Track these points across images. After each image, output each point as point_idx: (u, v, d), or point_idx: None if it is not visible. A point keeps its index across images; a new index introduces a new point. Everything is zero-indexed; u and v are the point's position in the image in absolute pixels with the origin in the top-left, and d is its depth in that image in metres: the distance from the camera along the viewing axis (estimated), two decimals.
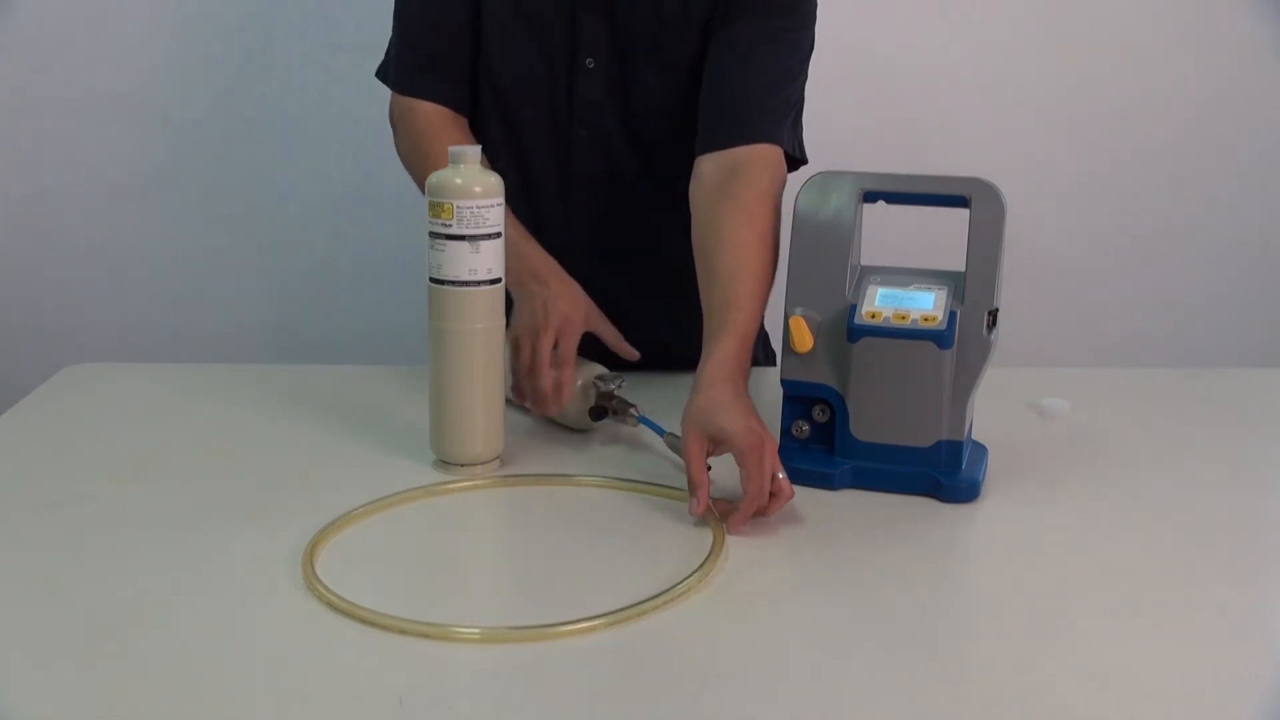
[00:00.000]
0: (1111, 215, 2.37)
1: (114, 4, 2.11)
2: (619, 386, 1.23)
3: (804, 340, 1.12)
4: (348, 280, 2.27)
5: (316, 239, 2.25)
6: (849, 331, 1.10)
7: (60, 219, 2.21)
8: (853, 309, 1.10)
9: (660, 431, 1.19)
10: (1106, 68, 2.30)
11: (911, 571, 0.98)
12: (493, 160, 1.32)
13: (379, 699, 0.77)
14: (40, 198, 2.20)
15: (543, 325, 1.18)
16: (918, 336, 1.08)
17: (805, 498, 1.12)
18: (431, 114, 1.39)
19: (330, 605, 0.88)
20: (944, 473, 1.11)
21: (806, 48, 1.36)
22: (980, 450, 1.17)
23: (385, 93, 1.44)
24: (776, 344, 1.20)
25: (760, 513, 1.03)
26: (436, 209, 1.10)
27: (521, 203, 1.37)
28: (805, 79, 1.37)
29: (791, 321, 1.12)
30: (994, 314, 1.10)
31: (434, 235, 1.11)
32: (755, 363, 1.20)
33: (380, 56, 1.46)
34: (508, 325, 1.18)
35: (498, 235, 1.12)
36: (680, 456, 1.10)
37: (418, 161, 1.36)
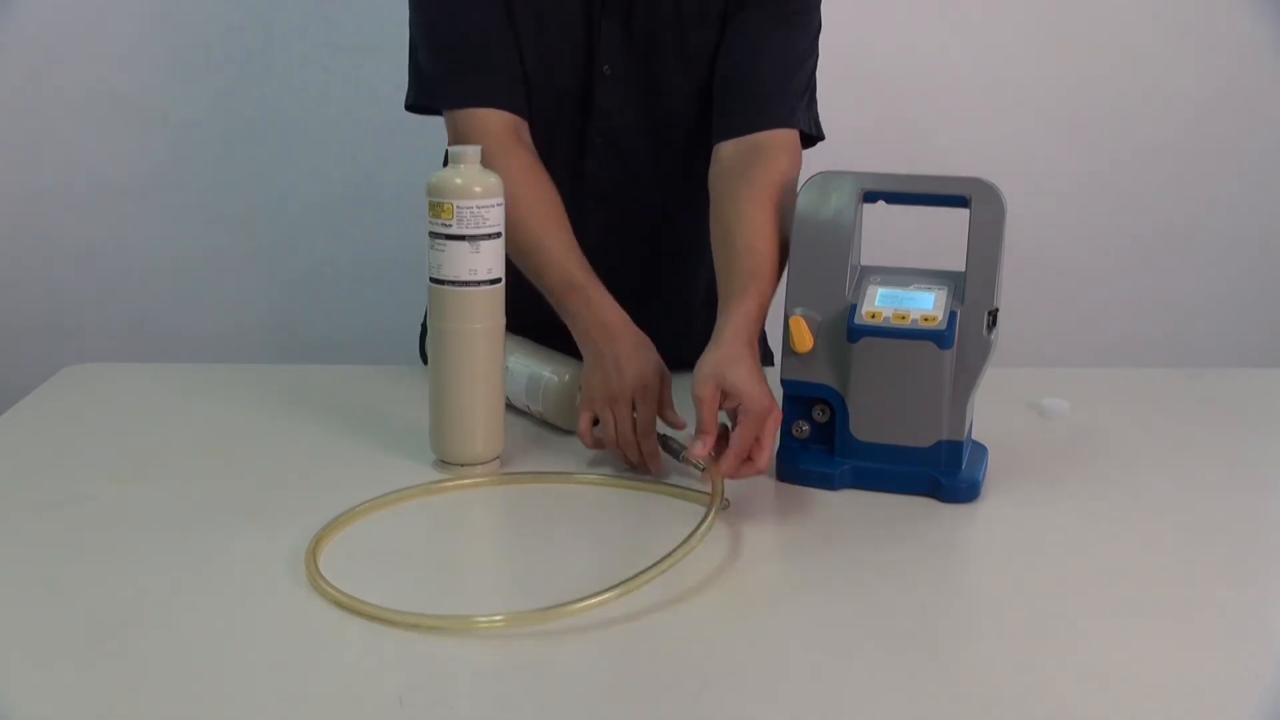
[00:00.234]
0: (1111, 215, 2.38)
1: (114, 4, 2.11)
2: None
3: (804, 340, 1.12)
4: (348, 280, 2.27)
5: (316, 239, 2.25)
6: (849, 331, 1.10)
7: (60, 219, 2.21)
8: (853, 309, 1.10)
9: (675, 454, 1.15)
10: (1106, 68, 2.30)
11: (911, 571, 0.98)
12: None
13: (379, 699, 0.77)
14: (40, 198, 2.20)
15: (618, 392, 1.13)
16: (918, 336, 1.08)
17: (805, 498, 1.12)
18: (500, 128, 1.28)
19: (336, 603, 0.88)
20: (944, 473, 1.11)
21: (816, 28, 1.37)
22: (980, 450, 1.17)
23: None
24: (776, 344, 1.20)
25: (729, 471, 1.05)
26: (436, 209, 1.10)
27: None
28: (817, 57, 1.38)
29: (791, 321, 1.12)
30: (994, 314, 1.10)
31: (434, 235, 1.11)
32: (756, 341, 1.20)
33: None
34: (507, 324, 1.18)
35: (498, 235, 1.12)
36: (677, 459, 1.12)
37: (511, 213, 1.17)
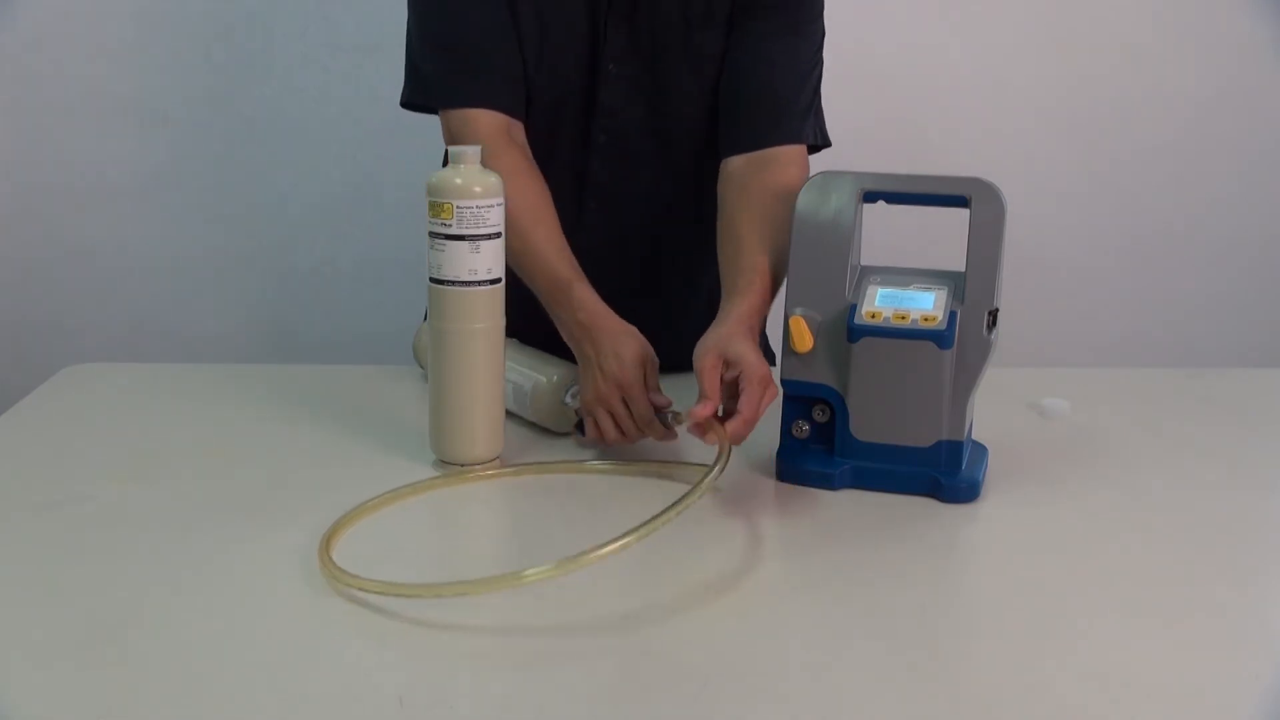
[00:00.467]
0: (1111, 215, 2.38)
1: (114, 4, 2.11)
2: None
3: (804, 340, 1.12)
4: (348, 280, 2.27)
5: (316, 239, 2.25)
6: (849, 331, 1.10)
7: (60, 219, 2.21)
8: (853, 309, 1.10)
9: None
10: (1106, 68, 2.30)
11: (911, 571, 0.98)
12: None
13: (379, 699, 0.77)
14: (40, 197, 2.20)
15: (607, 393, 1.15)
16: (918, 336, 1.08)
17: (805, 498, 1.12)
18: (492, 129, 1.29)
19: (359, 591, 0.89)
20: (944, 473, 1.11)
21: (820, 37, 1.38)
22: (980, 450, 1.17)
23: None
24: (776, 344, 1.20)
25: (738, 432, 1.08)
26: (436, 209, 1.10)
27: None
28: (822, 65, 1.39)
29: (791, 321, 1.12)
30: (994, 314, 1.10)
31: (434, 235, 1.11)
32: (758, 331, 1.21)
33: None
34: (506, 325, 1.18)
35: (498, 235, 1.12)
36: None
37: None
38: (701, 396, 1.10)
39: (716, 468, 1.00)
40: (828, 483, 1.13)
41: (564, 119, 1.37)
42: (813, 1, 1.36)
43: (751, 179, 1.31)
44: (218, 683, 0.79)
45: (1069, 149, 2.33)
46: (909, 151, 2.07)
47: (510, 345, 1.29)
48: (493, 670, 0.82)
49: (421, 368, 1.42)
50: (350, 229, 2.24)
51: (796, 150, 1.34)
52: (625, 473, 1.17)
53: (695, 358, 1.13)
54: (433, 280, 1.12)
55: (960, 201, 1.11)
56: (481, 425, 1.15)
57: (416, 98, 1.37)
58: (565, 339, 1.23)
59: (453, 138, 1.31)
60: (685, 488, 1.11)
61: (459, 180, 1.10)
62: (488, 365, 1.15)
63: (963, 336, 1.08)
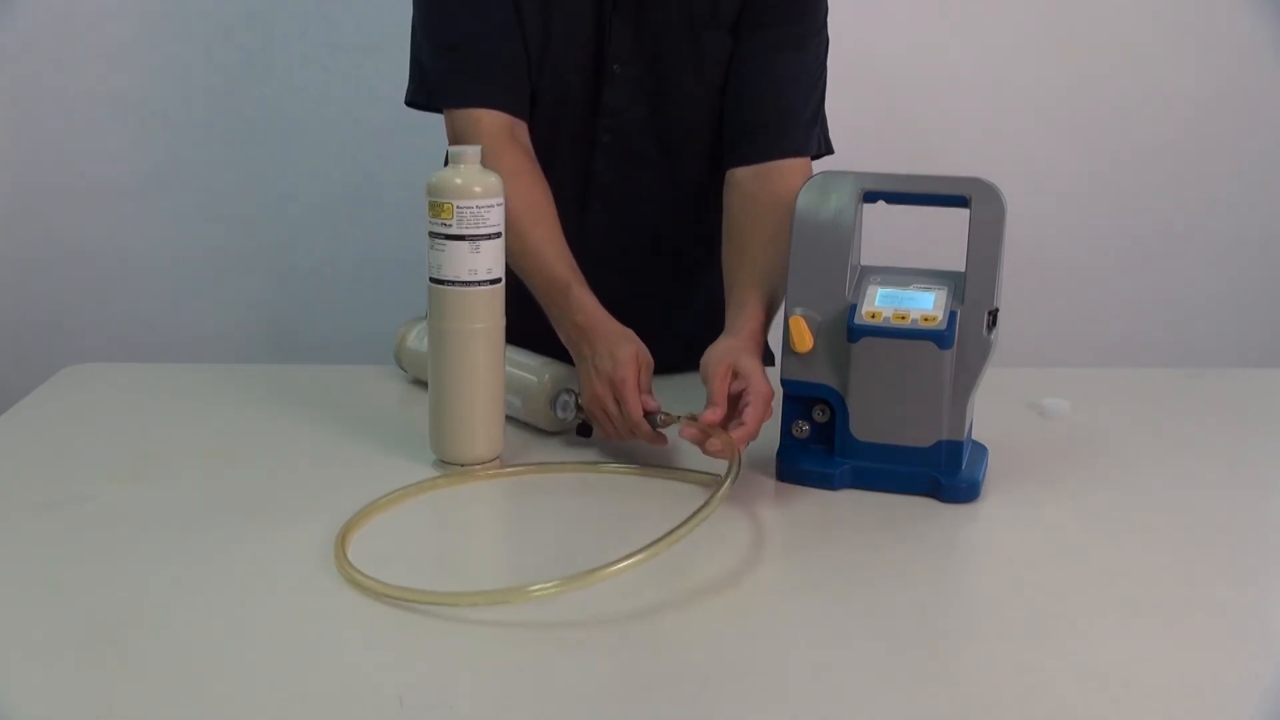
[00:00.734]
0: (1111, 215, 2.38)
1: (114, 4, 2.11)
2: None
3: (804, 340, 1.12)
4: (348, 280, 2.27)
5: (316, 239, 2.25)
6: (849, 331, 1.10)
7: (60, 219, 2.21)
8: (853, 309, 1.10)
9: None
10: (1106, 68, 2.30)
11: (911, 571, 0.98)
12: None
13: (379, 699, 0.77)
14: (40, 197, 2.20)
15: (602, 393, 1.15)
16: (918, 336, 1.08)
17: (805, 498, 1.12)
18: (495, 129, 1.29)
19: (373, 592, 0.89)
20: (944, 473, 1.11)
21: (825, 48, 1.39)
22: (980, 450, 1.17)
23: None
24: (776, 344, 1.20)
25: (714, 444, 1.09)
26: (436, 209, 1.10)
27: None
28: (826, 74, 1.40)
29: (791, 321, 1.12)
30: (994, 314, 1.10)
31: (434, 235, 1.11)
32: (762, 347, 1.21)
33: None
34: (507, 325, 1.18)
35: (498, 235, 1.12)
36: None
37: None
38: (710, 403, 1.11)
39: (729, 481, 0.99)
40: (828, 483, 1.13)
41: (568, 119, 1.37)
42: (817, 11, 1.37)
43: (757, 191, 1.33)
44: (217, 683, 0.79)
45: (1069, 149, 2.33)
46: (909, 151, 2.07)
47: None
48: (493, 670, 0.82)
49: (403, 370, 1.42)
50: (350, 229, 2.24)
51: (801, 162, 1.35)
52: (626, 473, 1.17)
53: (705, 365, 1.15)
54: (433, 280, 1.12)
55: (960, 201, 1.11)
56: (481, 425, 1.15)
57: (420, 97, 1.37)
58: (562, 340, 1.23)
59: (456, 137, 1.31)
60: (686, 487, 1.13)
61: (459, 180, 1.10)
62: (488, 365, 1.15)
63: (963, 336, 1.08)
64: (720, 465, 1.11)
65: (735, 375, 1.13)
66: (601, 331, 1.18)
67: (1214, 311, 2.43)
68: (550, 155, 1.34)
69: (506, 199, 1.14)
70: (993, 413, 1.21)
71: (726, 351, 1.15)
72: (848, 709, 0.78)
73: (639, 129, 1.38)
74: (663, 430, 1.15)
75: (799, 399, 1.15)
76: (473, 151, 1.11)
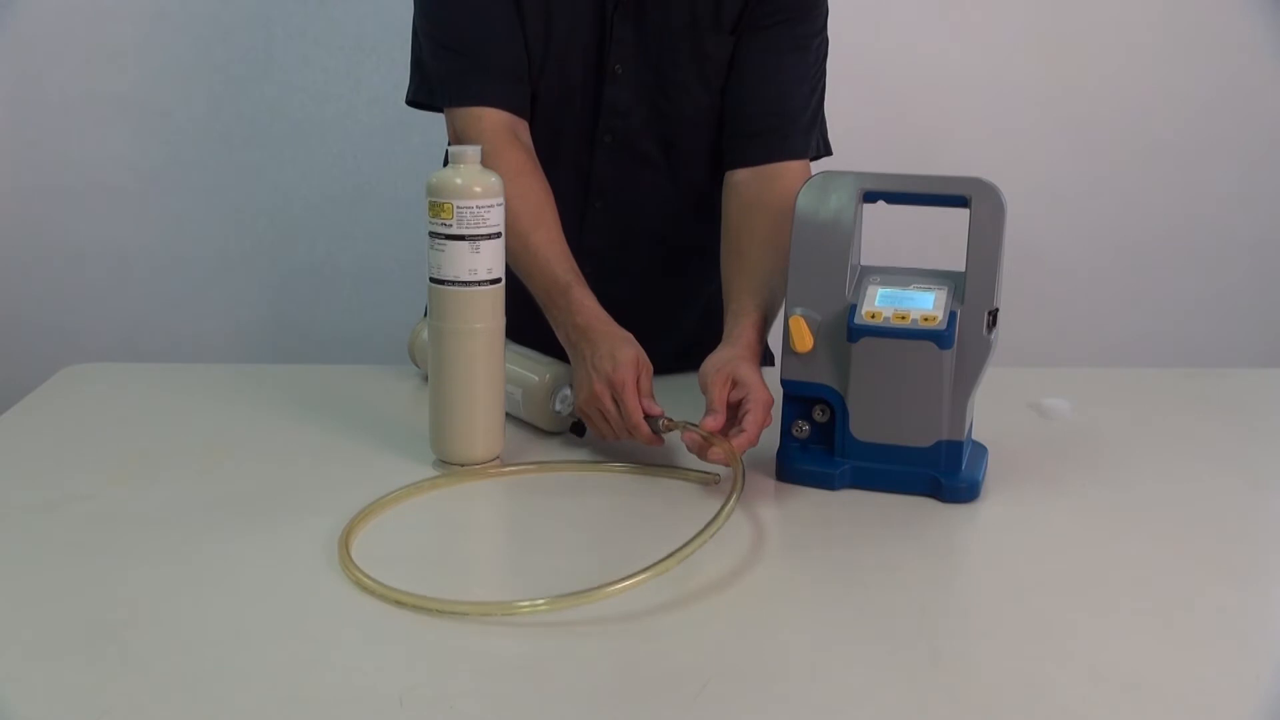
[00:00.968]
0: (1111, 215, 2.38)
1: (114, 4, 2.11)
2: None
3: (804, 340, 1.12)
4: (348, 280, 2.27)
5: (316, 239, 2.26)
6: (849, 331, 1.10)
7: (60, 219, 2.21)
8: (853, 309, 1.10)
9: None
10: (1106, 68, 2.30)
11: (911, 571, 0.98)
12: None
13: (379, 699, 0.77)
14: (41, 197, 2.20)
15: (600, 393, 1.15)
16: (918, 336, 1.08)
17: (805, 498, 1.12)
18: (497, 128, 1.29)
19: (370, 593, 0.90)
20: (944, 473, 1.11)
21: (825, 50, 1.39)
22: (980, 450, 1.17)
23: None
24: (776, 344, 1.20)
25: (716, 452, 1.10)
26: (436, 209, 1.10)
27: None
28: (825, 76, 1.40)
29: (791, 321, 1.12)
30: (994, 314, 1.10)
31: (434, 235, 1.11)
32: (760, 357, 1.22)
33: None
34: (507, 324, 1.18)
35: (498, 235, 1.12)
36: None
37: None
38: (710, 410, 1.12)
39: (734, 497, 1.00)
40: (828, 483, 1.13)
41: (569, 118, 1.37)
42: (817, 15, 1.37)
43: (756, 195, 1.33)
44: (217, 682, 0.79)
45: (1069, 149, 2.33)
46: (909, 151, 2.07)
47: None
48: (493, 670, 0.82)
49: (418, 367, 1.42)
50: (350, 229, 2.24)
51: (800, 165, 1.36)
52: (626, 472, 1.17)
53: (704, 374, 1.15)
54: (433, 280, 1.12)
55: (960, 201, 1.11)
56: (481, 425, 1.15)
57: (422, 96, 1.37)
58: (561, 341, 1.23)
59: (458, 136, 1.31)
60: (685, 486, 1.13)
61: (459, 180, 1.10)
62: (488, 365, 1.15)
63: (963, 336, 1.08)
64: (720, 467, 1.12)
65: (735, 384, 1.14)
66: (602, 333, 1.18)
67: (1214, 311, 2.43)
68: (551, 155, 1.34)
69: (508, 199, 1.14)
70: (993, 413, 1.21)
71: (726, 361, 1.16)
72: (848, 709, 0.78)
73: (640, 129, 1.38)
74: (663, 434, 1.15)
75: (799, 399, 1.15)
76: (473, 151, 1.11)
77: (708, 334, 1.26)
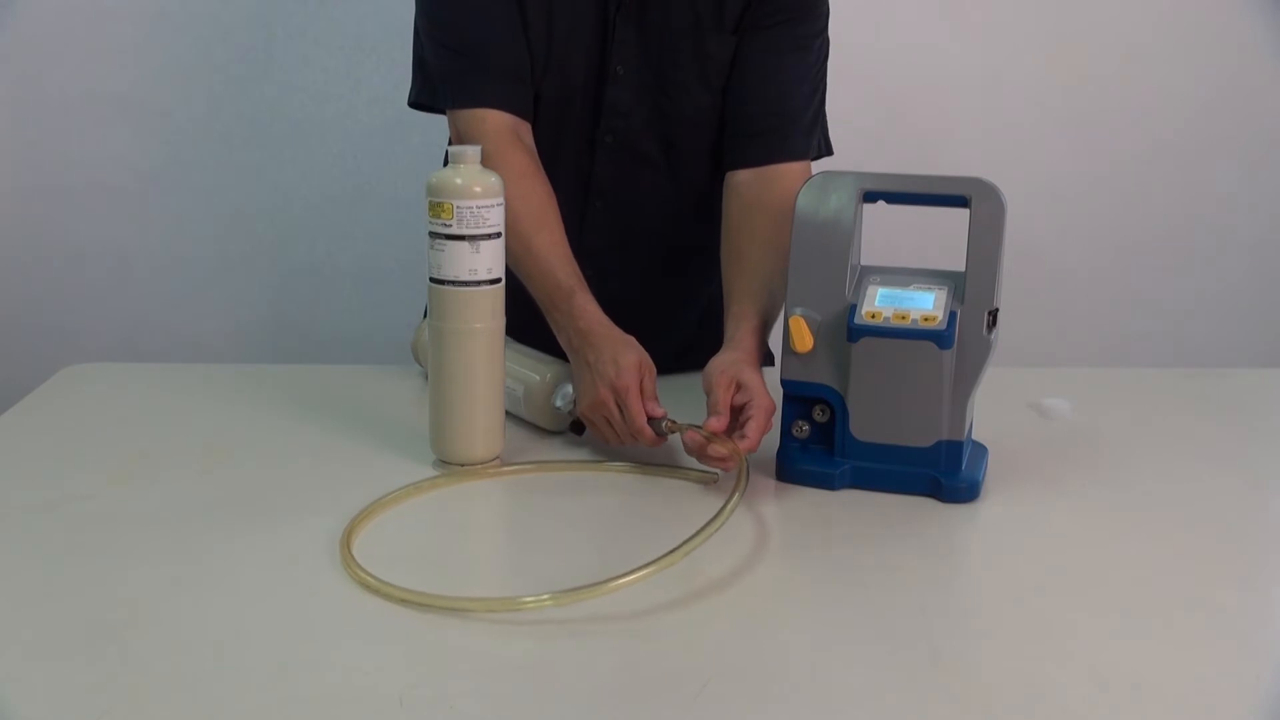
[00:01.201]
0: (1111, 215, 2.38)
1: (114, 4, 2.11)
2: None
3: (804, 340, 1.12)
4: (348, 280, 2.27)
5: (316, 239, 2.25)
6: (849, 331, 1.10)
7: (60, 219, 2.21)
8: (853, 309, 1.10)
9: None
10: (1106, 68, 2.30)
11: (911, 571, 0.98)
12: None
13: (379, 698, 0.77)
14: (40, 198, 2.20)
15: (604, 398, 1.15)
16: (918, 336, 1.08)
17: (805, 498, 1.12)
18: (499, 130, 1.29)
19: (374, 592, 0.90)
20: (944, 473, 1.11)
21: (826, 50, 1.40)
22: (980, 450, 1.17)
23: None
24: (776, 344, 1.20)
25: (718, 456, 1.11)
26: (436, 209, 1.10)
27: None
28: (826, 76, 1.40)
29: (791, 321, 1.12)
30: (994, 314, 1.10)
31: (434, 235, 1.11)
32: (761, 361, 1.22)
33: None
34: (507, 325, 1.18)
35: (498, 235, 1.12)
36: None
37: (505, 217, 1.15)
38: (714, 412, 1.12)
39: (738, 494, 1.01)
40: (828, 483, 1.13)
41: (571, 119, 1.37)
42: (819, 15, 1.37)
43: (757, 196, 1.33)
44: (217, 682, 0.79)
45: (1069, 149, 2.33)
46: (909, 151, 2.07)
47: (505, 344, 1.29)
48: (493, 670, 0.82)
49: (420, 366, 1.42)
50: (350, 229, 2.24)
51: (801, 166, 1.35)
52: (626, 471, 1.17)
53: (708, 375, 1.16)
54: (433, 280, 1.12)
55: (960, 201, 1.11)
56: (481, 425, 1.15)
57: (424, 97, 1.37)
58: (563, 345, 1.23)
59: (461, 137, 1.31)
60: (686, 485, 1.13)
61: (459, 180, 1.10)
62: (488, 365, 1.15)
63: (963, 336, 1.09)
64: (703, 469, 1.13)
65: (738, 388, 1.14)
66: (605, 337, 1.18)
67: (1214, 311, 2.43)
68: (552, 155, 1.34)
69: (511, 201, 1.14)
70: (993, 413, 1.21)
71: (729, 364, 1.16)
72: (848, 709, 0.78)
73: (641, 130, 1.38)
74: (666, 436, 1.15)
75: (799, 399, 1.15)
76: (472, 151, 1.11)
77: (708, 334, 1.26)
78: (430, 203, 1.11)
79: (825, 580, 0.97)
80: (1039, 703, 0.79)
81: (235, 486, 1.12)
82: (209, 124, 2.18)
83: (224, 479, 1.14)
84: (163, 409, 1.35)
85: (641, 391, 1.14)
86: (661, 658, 0.84)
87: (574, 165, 1.38)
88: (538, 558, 1.02)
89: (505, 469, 1.16)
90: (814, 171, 1.35)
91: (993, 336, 1.10)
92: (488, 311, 1.13)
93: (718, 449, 1.10)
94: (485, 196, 1.10)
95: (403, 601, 0.89)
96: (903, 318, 1.09)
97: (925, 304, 1.09)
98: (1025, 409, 1.37)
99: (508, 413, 1.22)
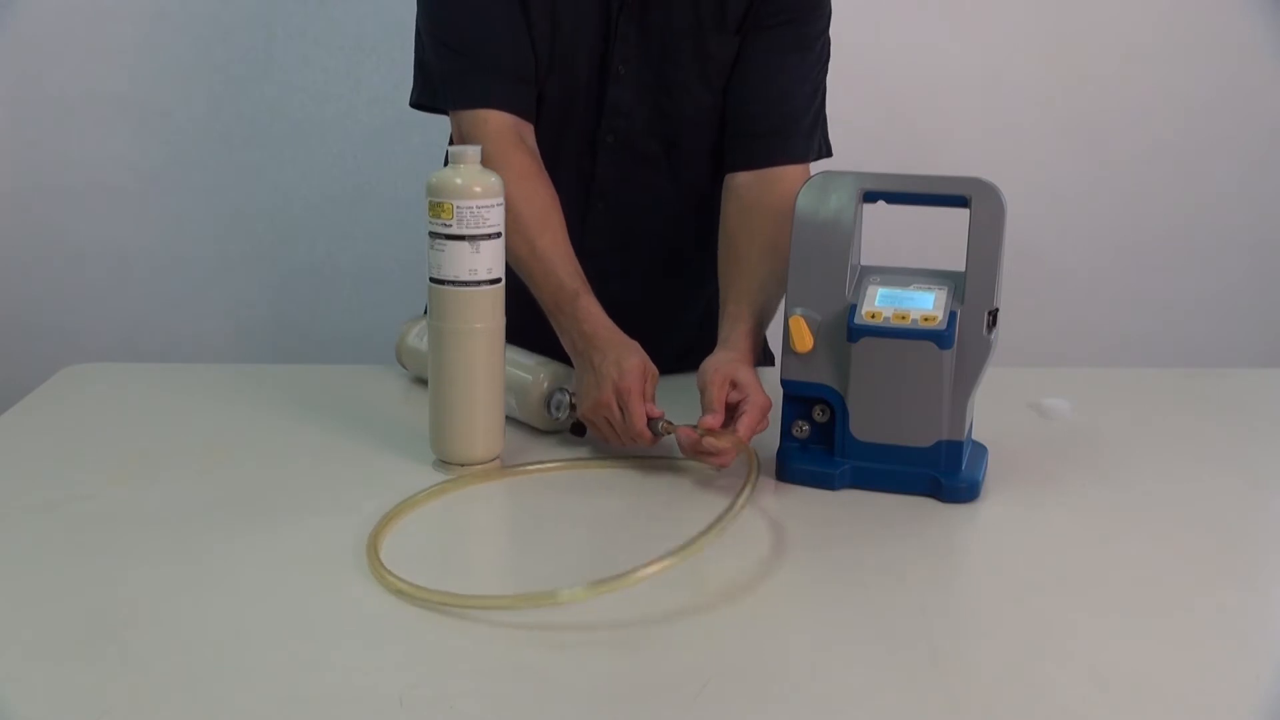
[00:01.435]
0: (1111, 215, 2.38)
1: (114, 4, 2.11)
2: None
3: (804, 340, 1.12)
4: (348, 280, 2.27)
5: (316, 239, 2.26)
6: (849, 331, 1.10)
7: (60, 219, 2.21)
8: (853, 309, 1.10)
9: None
10: (1106, 68, 2.30)
11: (911, 571, 0.98)
12: None
13: (379, 699, 0.77)
14: (40, 197, 2.20)
15: (606, 401, 1.15)
16: (918, 336, 1.08)
17: (805, 498, 1.12)
18: (502, 130, 1.29)
19: (399, 593, 0.90)
20: (944, 473, 1.11)
21: (828, 51, 1.40)
22: (980, 450, 1.17)
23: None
24: (776, 344, 1.20)
25: (709, 451, 1.12)
26: (436, 209, 1.10)
27: None
28: (826, 76, 1.41)
29: (791, 321, 1.12)
30: (994, 314, 1.10)
31: (434, 235, 1.11)
32: (755, 362, 1.22)
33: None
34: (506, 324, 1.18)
35: (498, 235, 1.12)
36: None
37: (508, 218, 1.15)
38: (709, 410, 1.12)
39: (750, 488, 1.02)
40: (828, 483, 1.13)
41: (572, 118, 1.37)
42: (820, 15, 1.37)
43: (756, 198, 1.33)
44: (217, 682, 0.79)
45: (1069, 149, 2.33)
46: (909, 151, 2.07)
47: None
48: (493, 670, 0.82)
49: (403, 368, 1.42)
50: (350, 229, 2.24)
51: (801, 168, 1.35)
52: (627, 470, 1.17)
53: (702, 374, 1.16)
54: (433, 280, 1.12)
55: (960, 201, 1.11)
56: (481, 425, 1.15)
57: (425, 98, 1.37)
58: (567, 348, 1.23)
59: (463, 138, 1.31)
60: (687, 482, 1.13)
61: (459, 180, 1.10)
62: (488, 365, 1.15)
63: (963, 336, 1.09)
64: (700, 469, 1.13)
65: (734, 386, 1.14)
66: (609, 341, 1.19)
67: (1214, 311, 2.43)
68: (554, 155, 1.34)
69: (514, 203, 1.14)
70: (993, 413, 1.21)
71: (724, 363, 1.17)
72: (848, 709, 0.78)
73: (642, 130, 1.38)
74: (664, 438, 1.15)
75: (799, 399, 1.15)
76: (473, 151, 1.11)
77: (709, 334, 1.26)
78: (430, 203, 1.11)
79: (825, 580, 0.97)
80: (1039, 703, 0.79)
81: (235, 486, 1.12)
82: (209, 124, 2.18)
83: (224, 479, 1.14)
84: (163, 409, 1.35)
85: (643, 395, 1.15)
86: (661, 658, 0.84)
87: (575, 166, 1.38)
88: (542, 559, 1.02)
89: (508, 469, 1.16)
90: (812, 167, 1.35)
91: (993, 336, 1.10)
92: (488, 311, 1.13)
93: (713, 443, 1.10)
94: (485, 196, 1.10)
95: (437, 605, 0.88)
96: (903, 318, 1.09)
97: (925, 304, 1.09)
98: (1025, 409, 1.37)
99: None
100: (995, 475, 1.16)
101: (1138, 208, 2.37)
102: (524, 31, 1.31)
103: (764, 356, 1.53)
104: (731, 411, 1.14)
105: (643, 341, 1.20)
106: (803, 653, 0.85)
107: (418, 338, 1.38)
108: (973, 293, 1.09)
